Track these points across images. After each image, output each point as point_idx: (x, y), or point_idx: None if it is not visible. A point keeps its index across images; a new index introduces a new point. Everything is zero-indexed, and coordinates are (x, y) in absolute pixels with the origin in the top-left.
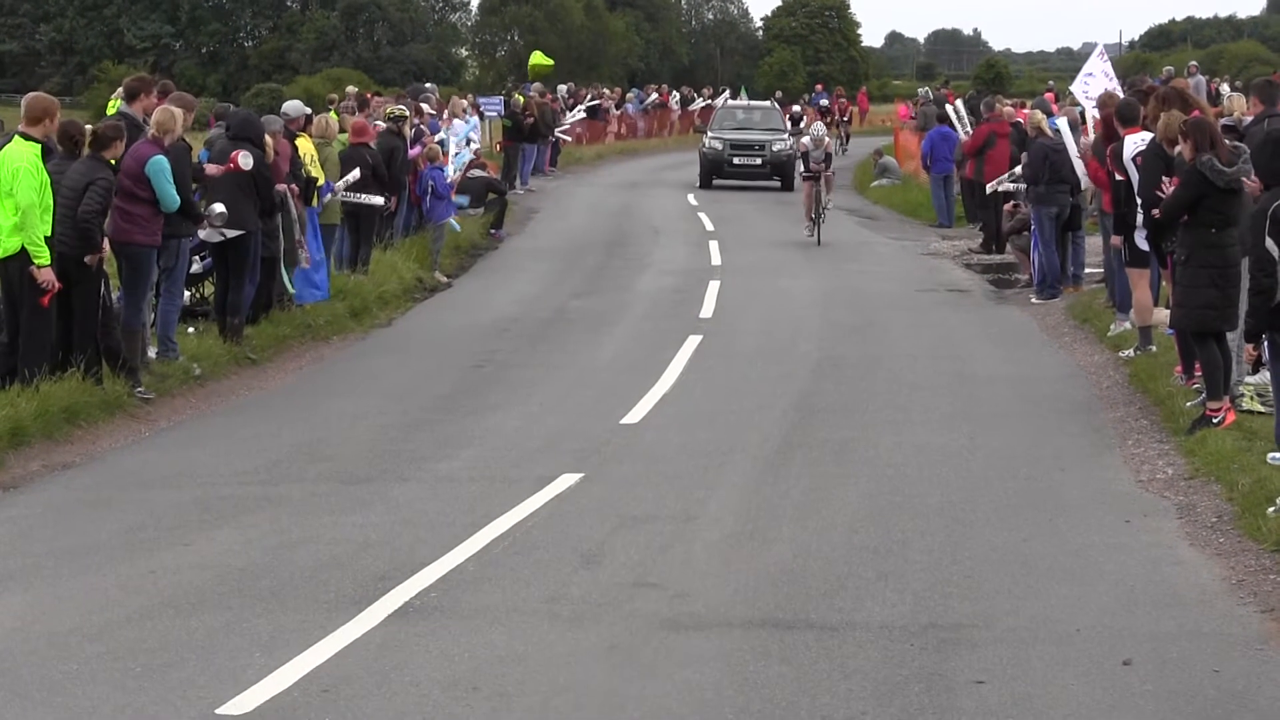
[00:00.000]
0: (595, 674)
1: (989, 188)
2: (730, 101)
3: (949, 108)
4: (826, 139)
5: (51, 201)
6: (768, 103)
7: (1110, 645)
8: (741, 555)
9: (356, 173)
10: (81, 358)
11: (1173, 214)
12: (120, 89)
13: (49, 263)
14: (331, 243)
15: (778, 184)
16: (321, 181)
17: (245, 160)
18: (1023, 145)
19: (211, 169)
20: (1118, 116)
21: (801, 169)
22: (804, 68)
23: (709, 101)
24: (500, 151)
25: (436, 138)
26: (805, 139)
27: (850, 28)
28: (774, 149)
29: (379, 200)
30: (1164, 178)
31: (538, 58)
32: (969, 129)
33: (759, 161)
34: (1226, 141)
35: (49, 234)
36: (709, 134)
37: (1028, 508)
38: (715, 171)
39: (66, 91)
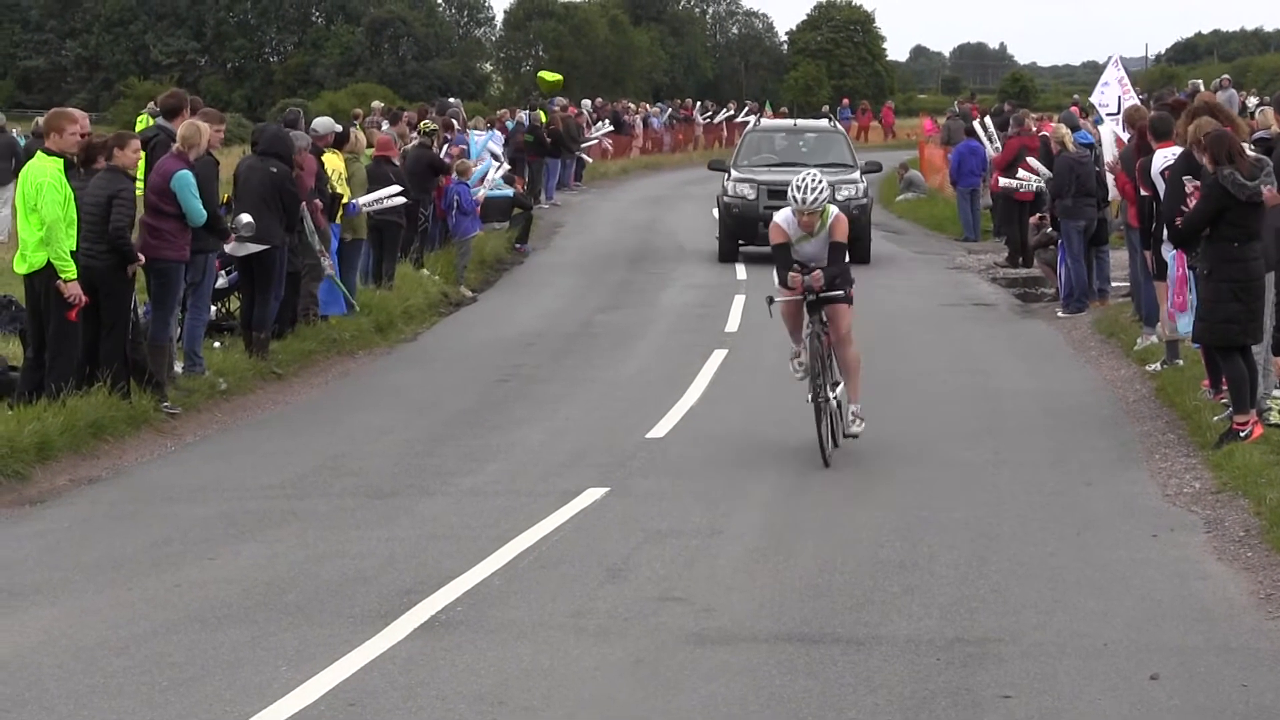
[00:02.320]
0: (621, 688)
1: (1003, 182)
2: (765, 121)
3: (976, 123)
4: (836, 213)
5: (75, 215)
6: (825, 122)
7: (1138, 660)
8: (767, 569)
9: (395, 189)
10: (108, 372)
11: (1194, 227)
12: (153, 104)
13: (75, 277)
14: (358, 258)
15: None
16: (347, 199)
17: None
18: (1051, 158)
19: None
20: (1151, 130)
21: (777, 282)
22: (829, 82)
23: (737, 113)
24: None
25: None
26: (779, 216)
27: (875, 42)
28: (840, 196)
29: (396, 192)
30: (1185, 192)
31: (545, 76)
32: (999, 145)
33: None
34: (1249, 154)
35: (74, 248)
36: (733, 172)
37: (1054, 522)
38: (744, 233)
39: (92, 107)
